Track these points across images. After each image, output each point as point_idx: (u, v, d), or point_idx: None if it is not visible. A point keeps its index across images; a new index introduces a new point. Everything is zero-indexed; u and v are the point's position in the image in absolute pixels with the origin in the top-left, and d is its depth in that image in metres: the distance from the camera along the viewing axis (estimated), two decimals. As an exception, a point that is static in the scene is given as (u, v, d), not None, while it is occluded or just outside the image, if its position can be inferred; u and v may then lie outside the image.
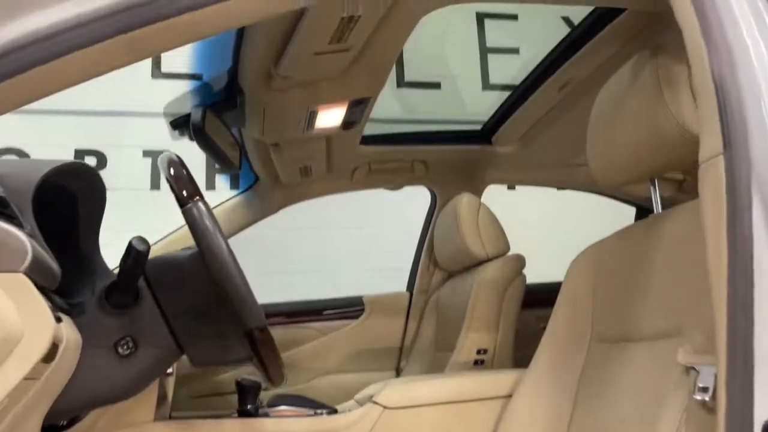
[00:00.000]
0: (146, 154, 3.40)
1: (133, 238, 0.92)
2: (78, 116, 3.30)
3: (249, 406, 1.37)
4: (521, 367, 1.46)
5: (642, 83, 1.14)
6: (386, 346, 2.46)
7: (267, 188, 2.23)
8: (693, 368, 0.90)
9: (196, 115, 1.45)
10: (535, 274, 2.15)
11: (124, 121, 3.37)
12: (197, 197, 0.93)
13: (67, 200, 1.07)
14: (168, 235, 2.04)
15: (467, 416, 1.44)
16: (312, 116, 1.61)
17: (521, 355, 1.91)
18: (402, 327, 2.47)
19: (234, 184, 3.10)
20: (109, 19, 0.74)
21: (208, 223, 0.92)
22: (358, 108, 1.63)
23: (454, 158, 2.29)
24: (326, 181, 2.24)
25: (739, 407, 0.74)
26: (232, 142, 1.76)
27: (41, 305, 0.72)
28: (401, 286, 2.59)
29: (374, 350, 2.45)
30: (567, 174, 2.40)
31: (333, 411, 1.48)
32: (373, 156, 2.18)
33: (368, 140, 2.11)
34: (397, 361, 2.46)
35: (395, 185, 2.37)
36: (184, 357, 1.04)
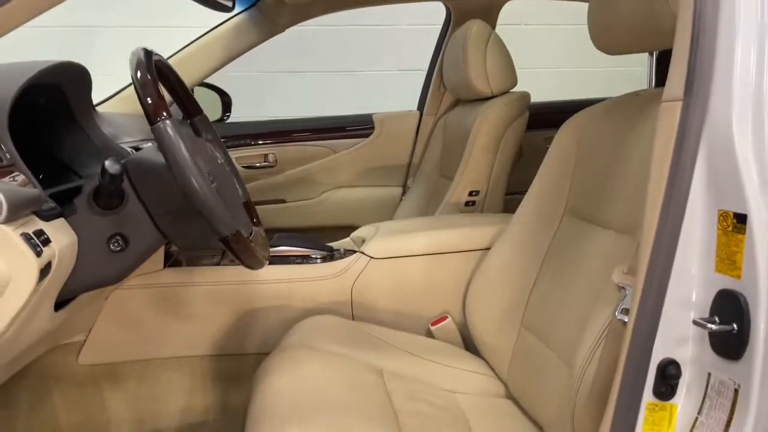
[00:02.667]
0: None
1: (106, 161, 0.97)
2: None
3: None
4: (509, 212, 1.53)
5: None
6: (395, 164, 2.54)
7: (271, 7, 2.14)
8: (623, 288, 0.97)
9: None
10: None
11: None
12: (165, 114, 0.96)
13: (53, 92, 1.11)
14: (119, 91, 1.99)
15: (446, 266, 1.57)
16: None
17: (517, 181, 1.95)
18: (411, 146, 2.53)
19: None
20: None
21: (174, 140, 0.96)
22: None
23: None
24: None
25: (642, 341, 0.79)
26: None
27: (21, 250, 0.81)
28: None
29: (383, 167, 2.54)
30: None
31: (329, 252, 1.62)
32: None
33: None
34: (405, 178, 2.56)
35: None
36: None
